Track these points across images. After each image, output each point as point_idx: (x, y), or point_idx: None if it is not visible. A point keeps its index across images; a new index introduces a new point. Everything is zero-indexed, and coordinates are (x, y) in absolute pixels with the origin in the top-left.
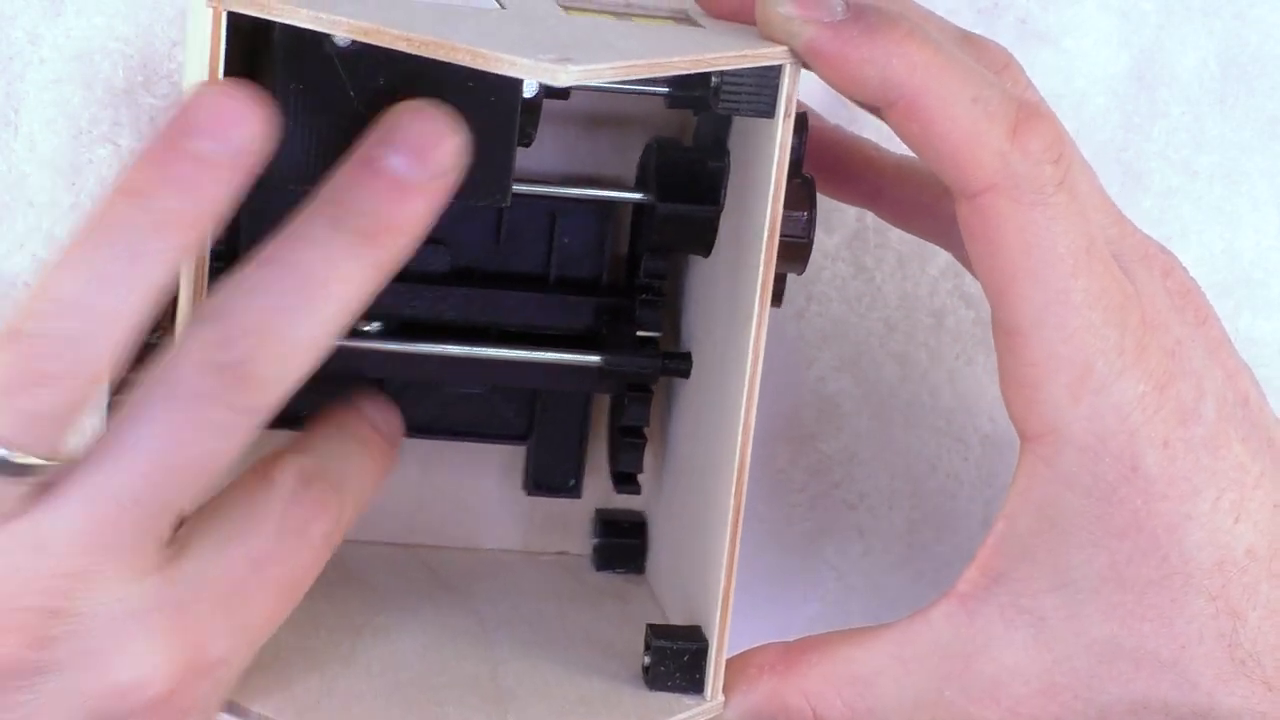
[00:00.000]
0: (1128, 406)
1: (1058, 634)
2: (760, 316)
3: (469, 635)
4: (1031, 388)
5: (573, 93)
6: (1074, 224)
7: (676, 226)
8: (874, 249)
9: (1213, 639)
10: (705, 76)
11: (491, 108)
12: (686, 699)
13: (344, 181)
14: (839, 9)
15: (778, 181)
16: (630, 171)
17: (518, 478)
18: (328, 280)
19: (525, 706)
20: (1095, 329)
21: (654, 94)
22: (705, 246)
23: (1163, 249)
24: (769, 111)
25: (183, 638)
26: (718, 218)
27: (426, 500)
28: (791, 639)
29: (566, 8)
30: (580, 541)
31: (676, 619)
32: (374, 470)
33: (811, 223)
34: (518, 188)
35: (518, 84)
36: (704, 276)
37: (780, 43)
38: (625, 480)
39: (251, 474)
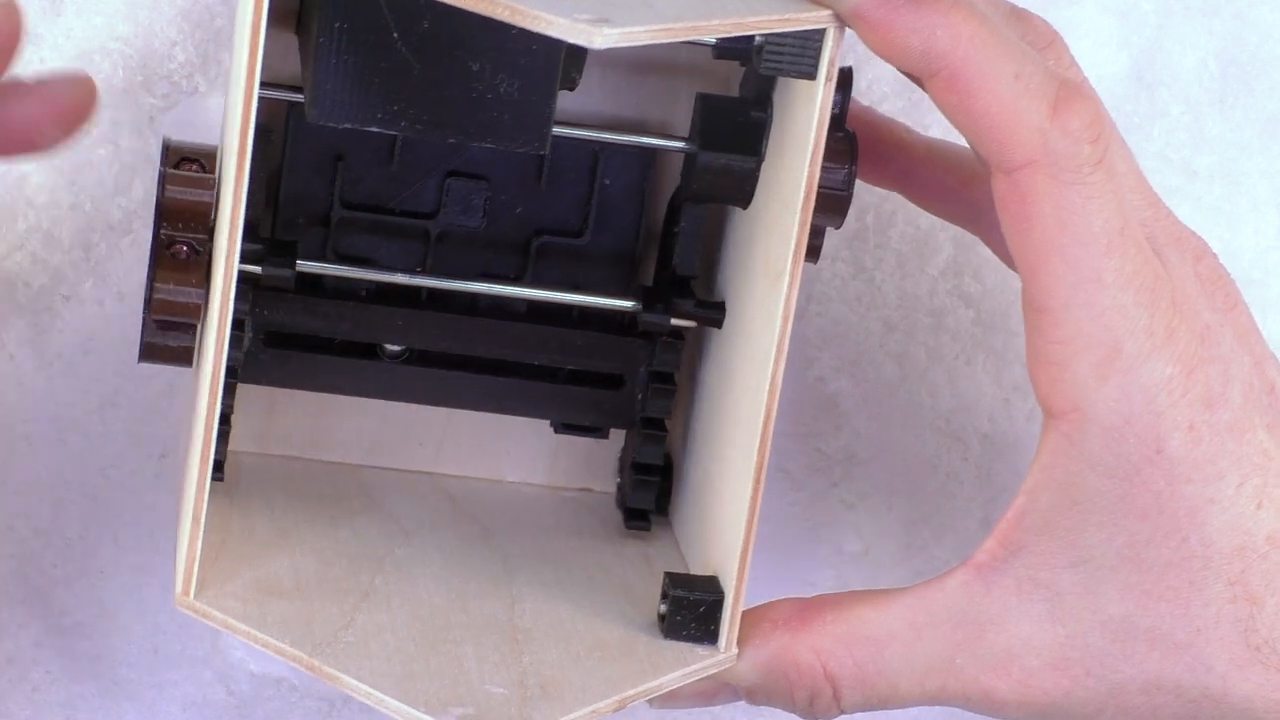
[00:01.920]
0: (1155, 389)
1: (1073, 609)
2: (794, 270)
3: (489, 571)
4: (1058, 365)
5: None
6: (1109, 204)
7: (716, 176)
8: (874, 249)
9: (1229, 624)
10: (750, 35)
11: (534, 55)
12: (700, 649)
13: None
14: None
15: (816, 141)
16: (675, 119)
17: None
18: None
19: (541, 650)
20: (1125, 310)
21: (701, 44)
22: (745, 197)
23: (1195, 235)
24: (811, 73)
25: None
26: (758, 169)
27: (452, 431)
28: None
29: None
30: (605, 479)
31: (696, 568)
32: None
33: (851, 177)
34: (560, 130)
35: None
36: (742, 229)
37: (826, 6)
38: (653, 425)
39: None
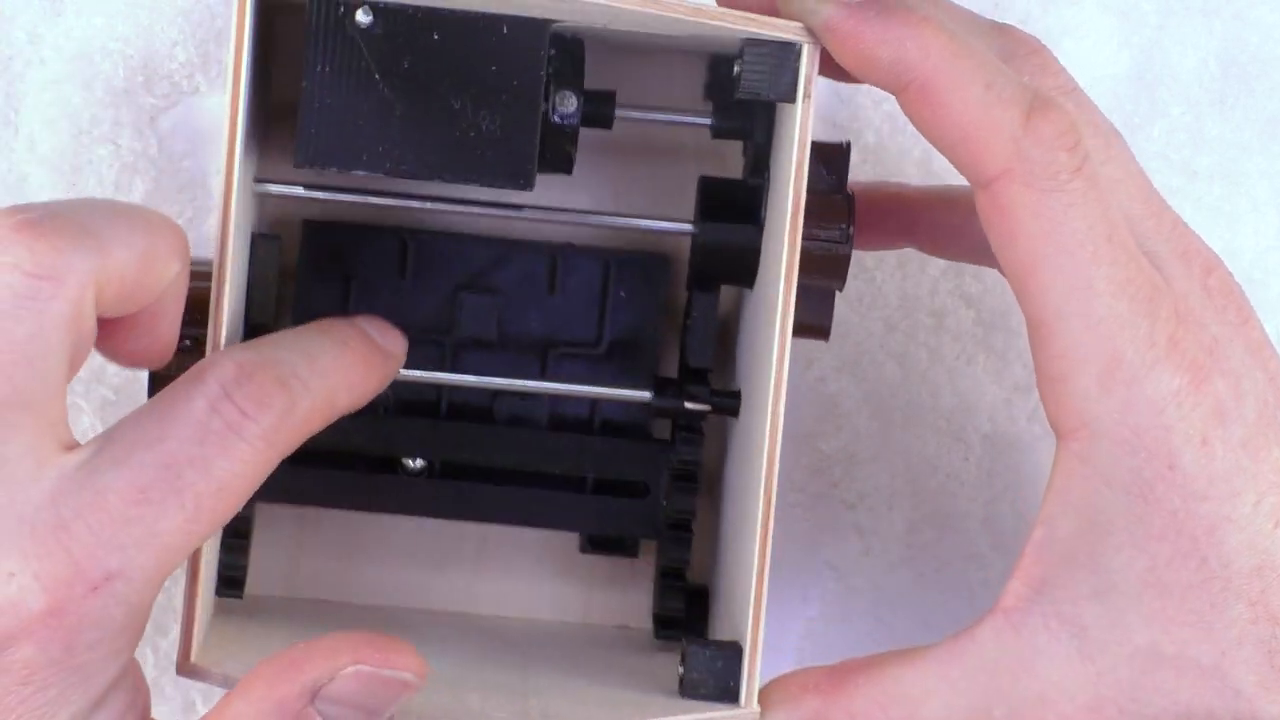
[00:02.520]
0: (1162, 400)
1: (1100, 644)
2: (784, 320)
3: (509, 659)
4: (1061, 381)
5: (617, 124)
6: (1092, 211)
7: (718, 253)
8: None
9: (1252, 645)
10: (739, 93)
11: (513, 91)
12: (720, 706)
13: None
14: None
15: (799, 162)
16: (684, 211)
17: (572, 539)
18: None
19: (549, 699)
20: (1122, 318)
21: (698, 125)
22: (749, 274)
23: (1206, 247)
24: (790, 94)
25: (61, 551)
26: (758, 239)
27: (483, 571)
28: (794, 639)
29: None
30: (641, 617)
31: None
32: (351, 366)
33: (849, 235)
34: (563, 219)
35: (540, 63)
36: (750, 311)
37: (797, 21)
38: (678, 527)
39: (186, 373)
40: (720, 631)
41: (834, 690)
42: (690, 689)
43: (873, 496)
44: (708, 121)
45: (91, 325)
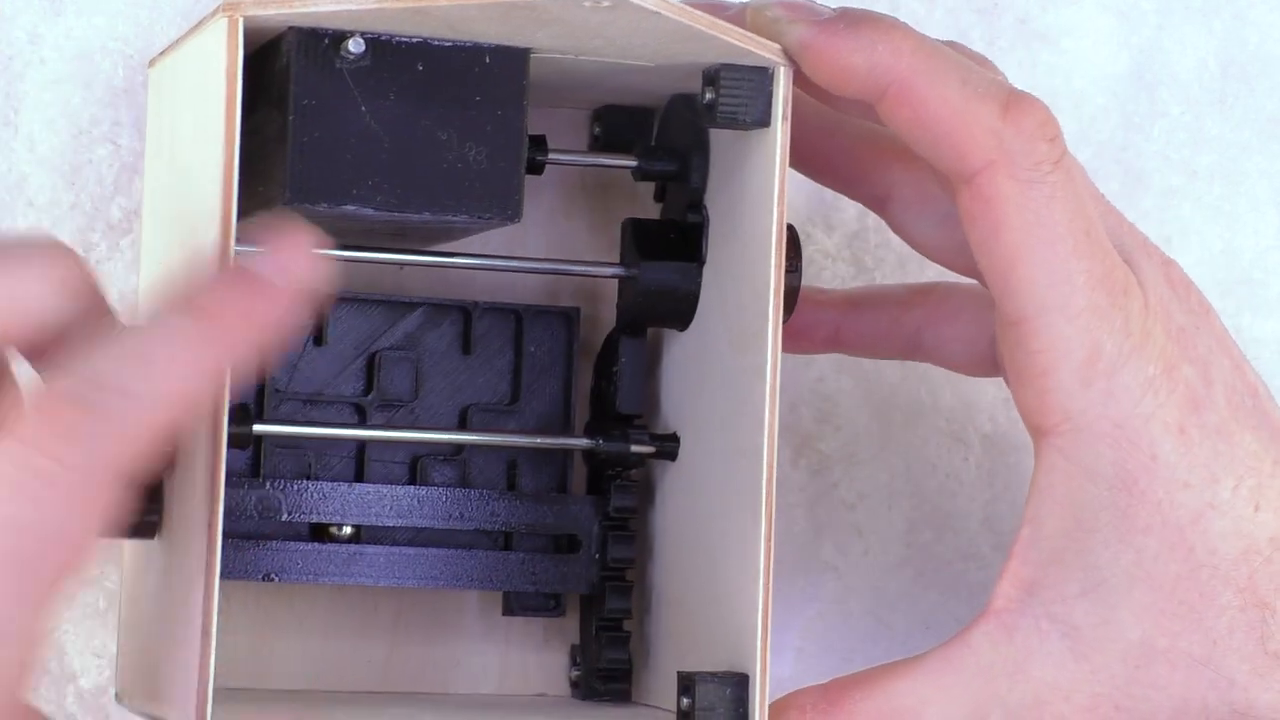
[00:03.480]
0: (1139, 390)
1: (1092, 642)
2: (775, 325)
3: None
4: (1041, 375)
5: (546, 169)
6: (1072, 204)
7: (657, 293)
8: (874, 249)
9: (1243, 632)
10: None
11: (498, 121)
12: None
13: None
14: (826, 11)
15: (780, 188)
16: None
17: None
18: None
19: None
20: (1101, 310)
21: (621, 167)
22: (685, 315)
23: (1155, 245)
24: (765, 118)
25: None
26: (698, 278)
27: (399, 648)
28: (794, 639)
29: None
30: (560, 685)
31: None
32: (207, 341)
33: (798, 265)
34: (491, 264)
35: (523, 93)
36: (686, 351)
37: (772, 41)
38: (616, 577)
39: None
40: (649, 688)
41: (831, 708)
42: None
43: (873, 496)
44: (632, 164)
45: None
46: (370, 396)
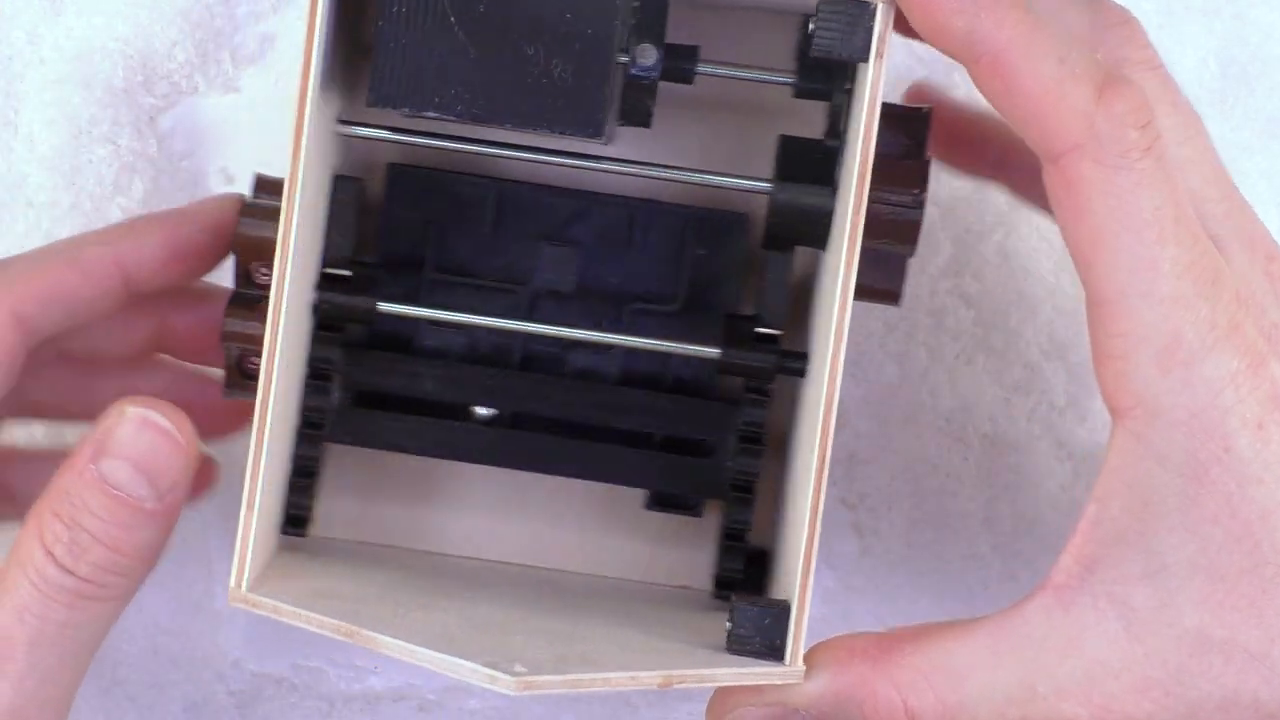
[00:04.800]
0: (1219, 382)
1: (1148, 625)
2: (850, 257)
3: (561, 608)
4: (1120, 359)
5: (699, 79)
6: (1161, 191)
7: (792, 213)
8: None
9: None
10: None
11: (587, 39)
12: (765, 663)
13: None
14: None
15: (868, 123)
16: (762, 167)
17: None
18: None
19: (592, 643)
20: (1185, 299)
21: (780, 84)
22: (822, 236)
23: (1269, 235)
24: (863, 53)
25: None
26: (831, 199)
27: (552, 528)
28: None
29: None
30: (704, 579)
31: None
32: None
33: (921, 202)
34: (640, 174)
35: (614, 13)
36: (825, 274)
37: None
38: (741, 489)
39: None
40: (776, 593)
41: (881, 657)
42: (736, 644)
43: (873, 496)
44: (790, 80)
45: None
46: (530, 284)
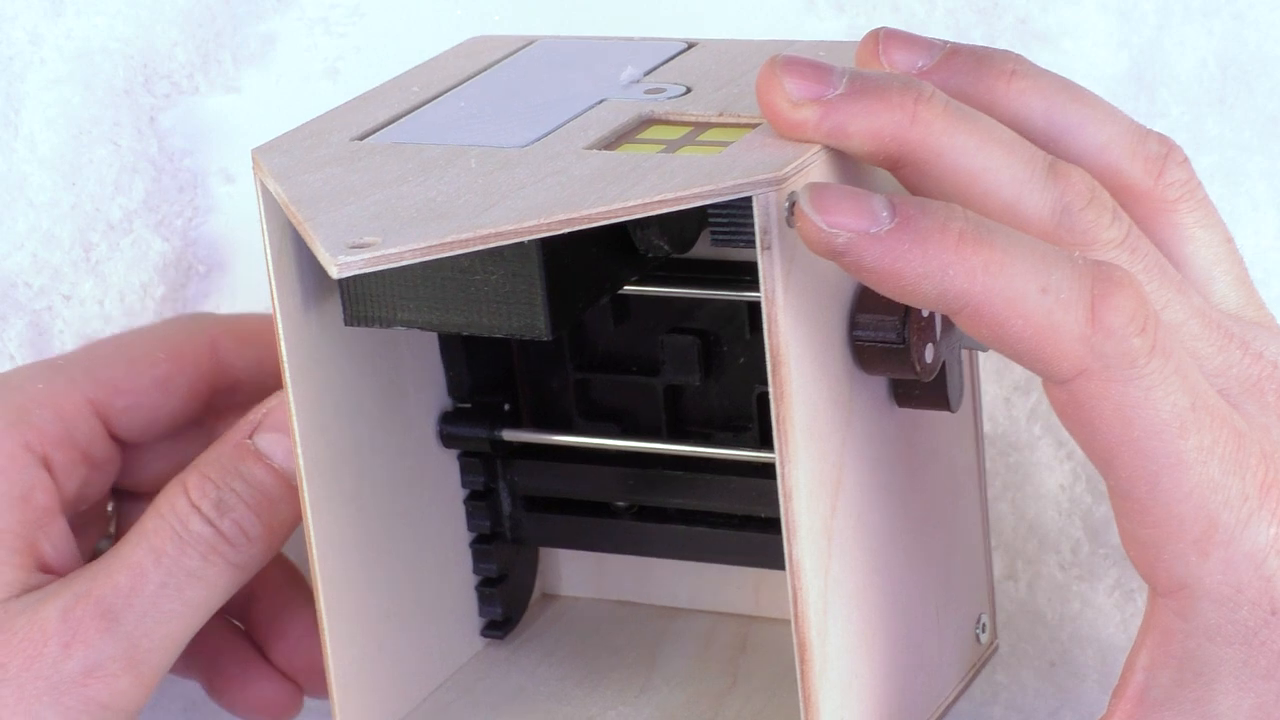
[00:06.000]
0: (1260, 553)
1: None
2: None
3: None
4: (1155, 548)
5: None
6: (1173, 387)
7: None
8: None
9: None
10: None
11: (511, 244)
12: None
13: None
14: (884, 215)
15: (770, 314)
16: None
17: None
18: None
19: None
20: (1214, 482)
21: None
22: None
23: (1261, 345)
24: (752, 243)
25: None
26: None
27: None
28: None
29: (621, 138)
30: None
31: None
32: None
33: (904, 325)
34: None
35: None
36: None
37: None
38: None
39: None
40: None
41: None
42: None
43: None
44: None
45: (98, 449)
46: (660, 375)
